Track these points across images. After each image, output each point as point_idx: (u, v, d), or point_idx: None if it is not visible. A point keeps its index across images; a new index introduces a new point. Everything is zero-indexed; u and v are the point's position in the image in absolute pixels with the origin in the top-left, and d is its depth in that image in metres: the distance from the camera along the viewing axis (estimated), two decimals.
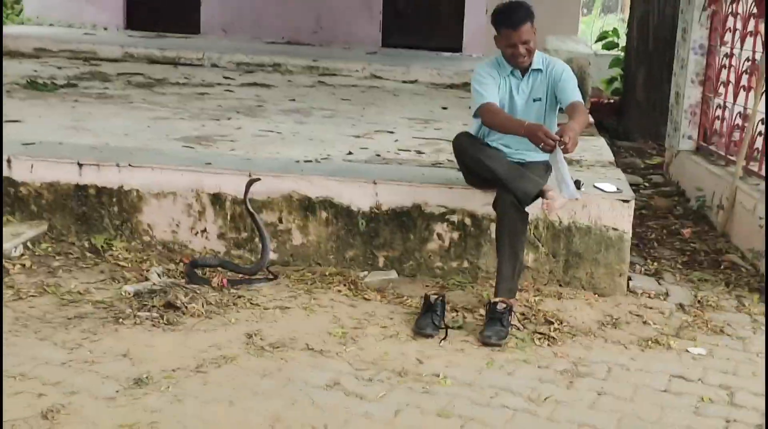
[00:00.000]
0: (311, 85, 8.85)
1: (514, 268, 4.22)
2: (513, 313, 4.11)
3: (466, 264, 4.71)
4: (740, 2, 6.09)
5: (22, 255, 4.65)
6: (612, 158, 5.74)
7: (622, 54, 10.18)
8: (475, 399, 3.42)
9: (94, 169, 4.88)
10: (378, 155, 5.48)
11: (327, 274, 4.67)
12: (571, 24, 11.27)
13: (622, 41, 10.67)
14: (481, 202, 4.63)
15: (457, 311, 4.28)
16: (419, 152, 5.64)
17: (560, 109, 4.43)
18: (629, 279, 4.72)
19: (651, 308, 4.48)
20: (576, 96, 4.30)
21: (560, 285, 4.65)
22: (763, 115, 5.47)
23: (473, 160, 4.39)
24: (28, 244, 4.72)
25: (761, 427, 3.34)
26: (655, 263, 5.10)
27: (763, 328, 4.29)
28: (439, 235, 4.70)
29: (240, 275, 4.56)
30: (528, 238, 4.48)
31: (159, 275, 4.50)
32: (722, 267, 5.08)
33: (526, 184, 4.21)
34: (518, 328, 4.09)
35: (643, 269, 5.00)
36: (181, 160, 5.03)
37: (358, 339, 3.93)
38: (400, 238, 4.73)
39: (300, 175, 4.79)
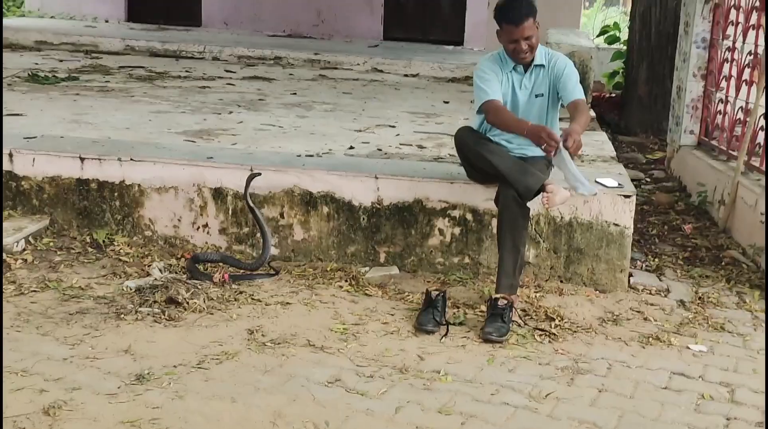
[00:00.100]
0: (312, 78, 8.84)
1: (515, 264, 4.22)
2: (514, 310, 4.11)
3: (467, 260, 4.71)
4: None
5: (24, 250, 4.65)
6: (613, 153, 5.74)
7: (624, 48, 10.15)
8: (476, 396, 3.43)
9: (96, 163, 4.88)
10: (379, 150, 5.47)
11: (328, 269, 4.67)
12: (573, 17, 11.25)
13: (624, 35, 10.64)
14: (482, 197, 4.63)
15: (458, 307, 4.28)
16: (421, 147, 5.64)
17: (561, 105, 4.43)
18: (630, 275, 4.72)
19: (652, 305, 4.48)
20: (578, 94, 4.29)
21: (561, 281, 4.65)
22: (765, 110, 5.46)
23: (475, 154, 4.39)
24: (30, 238, 4.73)
25: (762, 424, 3.35)
26: (656, 259, 5.10)
27: (764, 324, 4.29)
28: (441, 231, 4.70)
29: (241, 271, 4.56)
30: (529, 233, 4.48)
31: (160, 270, 4.50)
32: (723, 263, 5.08)
33: (528, 178, 4.21)
34: (519, 325, 4.09)
35: (644, 265, 5.00)
36: (183, 154, 5.03)
37: (359, 335, 3.93)
38: (402, 233, 4.73)
39: (301, 170, 4.79)
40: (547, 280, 4.65)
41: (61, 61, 9.14)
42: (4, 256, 4.51)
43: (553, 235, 4.63)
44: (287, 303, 4.24)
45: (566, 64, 4.36)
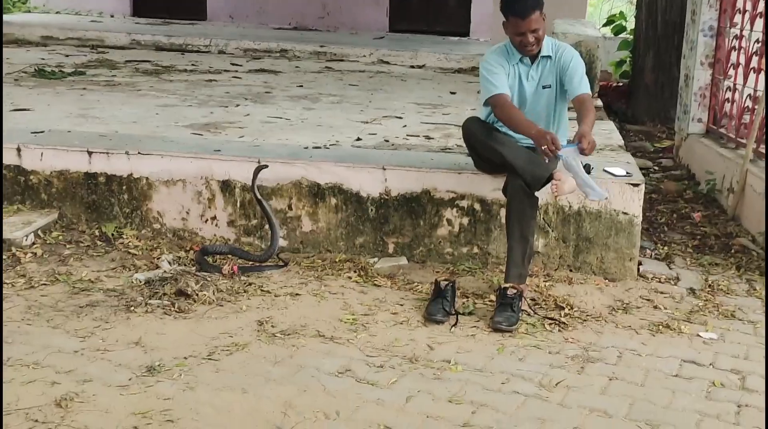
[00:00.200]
0: (319, 70, 8.83)
1: (524, 254, 4.22)
2: (523, 299, 4.11)
3: (476, 250, 4.71)
4: None
5: (33, 243, 4.66)
6: (621, 142, 5.72)
7: (631, 37, 10.12)
8: (486, 385, 3.43)
9: (104, 157, 4.88)
10: (386, 141, 5.47)
11: (337, 260, 4.68)
12: (579, 7, 11.20)
13: (630, 24, 10.60)
14: (490, 187, 4.62)
15: (467, 297, 4.28)
16: (428, 137, 5.63)
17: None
18: (639, 263, 4.71)
19: (661, 293, 4.47)
20: (583, 88, 4.27)
21: (570, 270, 4.65)
22: None
23: (482, 145, 4.38)
24: (39, 232, 4.74)
25: None
26: (666, 247, 5.09)
27: (765, 315, 4.29)
28: (449, 221, 4.70)
29: (250, 262, 4.56)
30: (538, 223, 4.47)
31: (170, 263, 4.51)
32: (733, 251, 5.07)
33: (536, 168, 4.20)
34: (529, 314, 4.09)
35: (653, 254, 4.99)
36: (190, 147, 5.03)
37: (368, 325, 3.93)
38: (410, 224, 4.73)
39: (309, 162, 4.79)
40: (556, 270, 4.64)
41: (67, 56, 9.15)
42: (14, 250, 4.53)
43: (562, 224, 4.62)
44: (296, 294, 4.25)
45: (573, 55, 4.33)
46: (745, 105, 5.97)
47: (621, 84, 10.24)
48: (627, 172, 4.71)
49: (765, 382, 3.56)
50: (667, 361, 3.71)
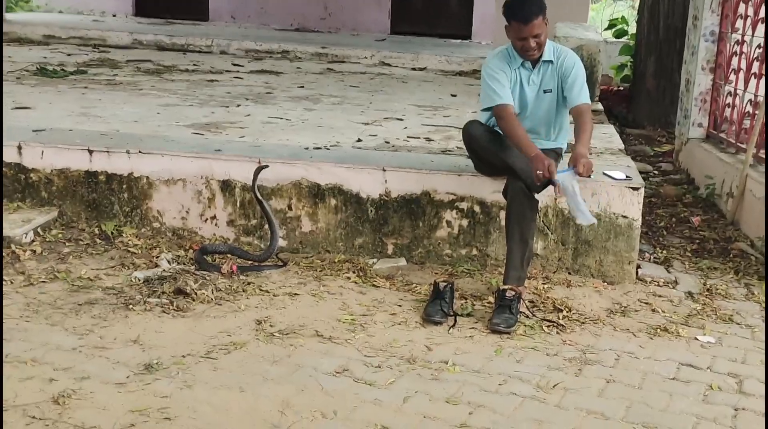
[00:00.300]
0: (320, 72, 8.84)
1: (523, 256, 4.22)
2: (522, 301, 4.11)
3: (475, 251, 4.71)
4: None
5: (33, 241, 4.67)
6: (622, 146, 5.73)
7: (632, 42, 10.13)
8: (483, 386, 3.43)
9: (104, 155, 4.89)
10: (387, 142, 5.48)
11: (336, 261, 4.68)
12: (581, 11, 11.21)
13: (632, 29, 10.62)
14: (490, 190, 4.63)
15: (465, 299, 4.28)
16: (428, 139, 5.64)
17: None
18: (638, 267, 4.72)
19: (660, 296, 4.48)
20: (583, 97, 4.27)
21: (569, 273, 4.65)
22: None
23: (483, 147, 4.39)
24: (39, 230, 4.74)
25: None
26: (665, 251, 5.10)
27: (765, 317, 4.28)
28: (448, 223, 4.71)
29: (249, 262, 4.57)
30: (537, 225, 4.47)
31: (169, 262, 4.51)
32: (731, 255, 5.08)
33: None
34: (527, 316, 4.09)
35: (652, 257, 4.99)
36: (191, 146, 5.04)
37: (367, 326, 3.94)
38: (409, 225, 4.73)
39: (309, 162, 4.80)
40: (555, 272, 4.65)
41: (69, 55, 9.17)
42: (14, 247, 4.53)
43: (561, 227, 4.62)
44: (295, 294, 4.25)
45: (574, 62, 4.33)
46: (746, 110, 5.98)
47: (622, 88, 10.26)
48: (627, 176, 4.71)
49: (765, 386, 3.56)
50: (665, 365, 3.72)
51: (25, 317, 3.83)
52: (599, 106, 7.26)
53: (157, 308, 3.98)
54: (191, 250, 4.68)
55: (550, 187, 4.11)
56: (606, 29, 11.75)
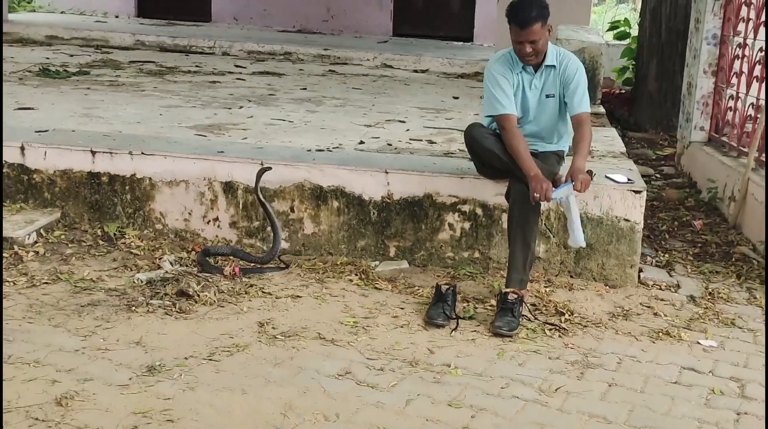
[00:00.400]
0: (322, 74, 8.85)
1: (525, 259, 4.22)
2: (524, 304, 4.12)
3: (477, 254, 4.71)
4: None
5: (36, 242, 4.67)
6: (623, 149, 5.73)
7: (634, 45, 10.14)
8: (486, 389, 3.44)
9: (107, 156, 4.90)
10: (389, 144, 5.48)
11: (338, 263, 4.68)
12: (583, 14, 11.22)
13: (634, 31, 10.63)
14: (492, 193, 4.63)
15: (468, 301, 4.29)
16: (431, 142, 5.64)
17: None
18: (640, 270, 4.72)
19: (662, 300, 4.48)
20: (583, 106, 4.27)
21: (571, 276, 4.66)
22: None
23: (485, 150, 4.39)
24: (42, 231, 4.75)
25: None
26: (667, 255, 5.10)
27: (765, 322, 4.29)
28: (451, 225, 4.71)
29: (252, 264, 4.57)
30: (540, 228, 4.48)
31: (171, 263, 4.52)
32: (733, 259, 5.08)
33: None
34: (529, 319, 4.09)
35: (654, 261, 4.99)
36: (194, 148, 5.04)
37: (369, 328, 3.94)
38: (412, 227, 4.73)
39: (312, 164, 4.80)
40: (557, 275, 4.65)
41: (71, 55, 9.18)
42: (17, 248, 4.54)
43: (564, 230, 4.62)
44: (297, 296, 4.25)
45: (577, 68, 4.31)
46: (748, 114, 5.98)
47: (624, 91, 10.27)
48: (629, 179, 4.71)
49: (765, 390, 3.56)
50: (667, 368, 3.72)
51: (28, 318, 3.83)
52: (601, 109, 7.26)
53: (159, 310, 3.98)
54: (194, 252, 4.68)
55: None
56: (608, 31, 11.76)
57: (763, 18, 5.89)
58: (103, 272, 4.41)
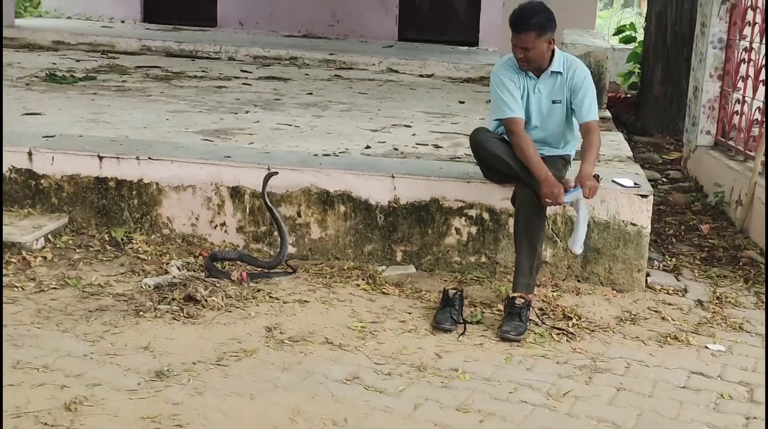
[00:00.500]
0: (328, 78, 8.86)
1: (532, 263, 4.22)
2: (531, 309, 4.11)
3: (484, 259, 4.71)
4: None
5: (44, 247, 4.68)
6: (630, 153, 5.73)
7: (640, 48, 10.14)
8: (494, 394, 3.44)
9: (114, 161, 4.91)
10: (396, 149, 5.49)
11: (345, 268, 4.69)
12: (588, 18, 11.23)
13: (640, 35, 10.63)
14: (499, 197, 4.63)
15: (475, 306, 4.28)
16: (437, 146, 5.65)
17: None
18: (647, 275, 4.72)
19: (669, 304, 4.47)
20: (592, 114, 4.27)
21: (578, 280, 4.65)
22: None
23: (491, 155, 4.39)
24: (50, 236, 4.75)
25: None
26: (674, 259, 5.09)
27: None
28: (457, 230, 4.71)
29: (259, 269, 4.58)
30: (546, 233, 4.47)
31: (179, 268, 4.52)
32: (741, 263, 5.07)
33: None
34: (537, 324, 4.09)
35: (661, 265, 4.99)
36: (200, 153, 5.05)
37: (376, 333, 3.94)
38: (418, 232, 4.74)
39: (318, 169, 4.81)
40: (564, 280, 4.65)
41: (78, 61, 9.20)
42: (24, 253, 4.55)
43: (570, 234, 4.60)
44: (305, 301, 4.25)
45: (585, 76, 4.31)
46: (754, 118, 5.97)
47: (629, 95, 10.27)
48: (635, 184, 4.71)
49: (765, 389, 3.56)
50: (675, 373, 3.71)
51: (36, 324, 3.84)
52: (607, 114, 7.27)
53: (167, 315, 3.99)
54: (201, 257, 4.69)
55: None
56: (613, 36, 11.76)
57: None
58: (110, 277, 4.42)
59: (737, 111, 6.32)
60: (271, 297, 4.28)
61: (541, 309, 4.25)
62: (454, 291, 4.15)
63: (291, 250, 4.76)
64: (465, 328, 4.01)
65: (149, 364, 3.51)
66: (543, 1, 4.28)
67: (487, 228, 4.69)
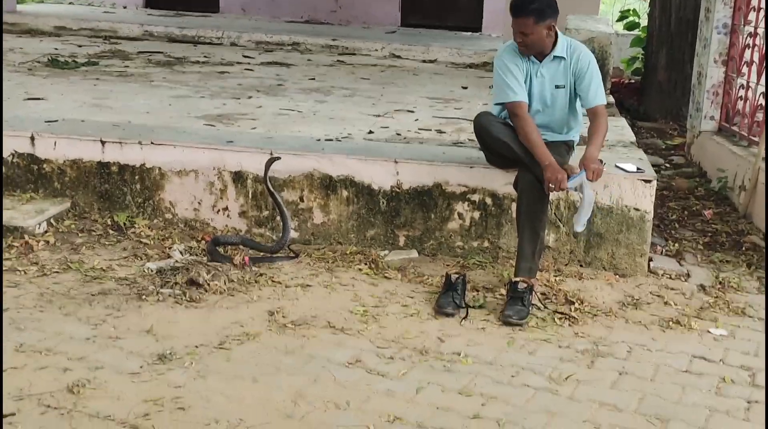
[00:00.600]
0: (331, 64, 8.83)
1: (534, 248, 4.22)
2: (534, 293, 4.11)
3: (486, 244, 4.71)
4: None
5: (46, 232, 4.69)
6: (633, 138, 5.71)
7: (643, 35, 10.10)
8: (496, 378, 3.44)
9: (117, 146, 4.90)
10: (398, 134, 5.47)
11: (348, 252, 4.69)
12: (592, 3, 11.18)
13: (643, 21, 10.58)
14: (502, 182, 4.62)
15: (477, 290, 4.29)
16: (440, 131, 5.63)
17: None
18: (650, 259, 4.71)
19: (672, 289, 4.47)
20: (599, 98, 4.26)
21: (581, 265, 4.65)
22: None
23: (494, 139, 4.38)
24: (52, 220, 4.76)
25: None
26: (677, 244, 5.09)
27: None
28: (460, 215, 4.70)
29: (261, 253, 4.58)
30: (549, 217, 4.47)
31: (181, 253, 4.53)
32: (744, 248, 5.06)
33: None
34: (539, 308, 4.09)
35: (664, 250, 4.98)
36: (203, 138, 5.04)
37: (379, 317, 3.94)
38: (421, 217, 4.73)
39: (321, 154, 4.80)
40: (566, 264, 4.65)
41: (80, 46, 9.17)
42: (27, 238, 4.55)
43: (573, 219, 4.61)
44: (307, 285, 4.26)
45: (589, 61, 4.29)
46: (758, 103, 5.95)
47: (633, 81, 10.23)
48: (639, 169, 4.70)
49: (765, 376, 3.55)
50: (677, 357, 3.72)
51: (39, 307, 3.85)
52: (611, 99, 7.23)
53: (170, 299, 3.99)
54: (203, 241, 4.69)
55: None
56: (618, 20, 11.71)
57: None
58: (113, 261, 4.42)
59: (741, 96, 6.30)
60: (273, 281, 4.28)
61: (543, 293, 4.25)
62: (457, 275, 4.15)
63: (293, 234, 4.76)
64: (467, 313, 4.01)
65: (152, 348, 3.52)
66: None
67: (489, 213, 4.68)
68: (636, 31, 10.82)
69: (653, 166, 5.39)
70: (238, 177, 4.83)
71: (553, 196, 4.44)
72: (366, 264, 4.55)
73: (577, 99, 4.38)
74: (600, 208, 4.58)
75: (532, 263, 4.22)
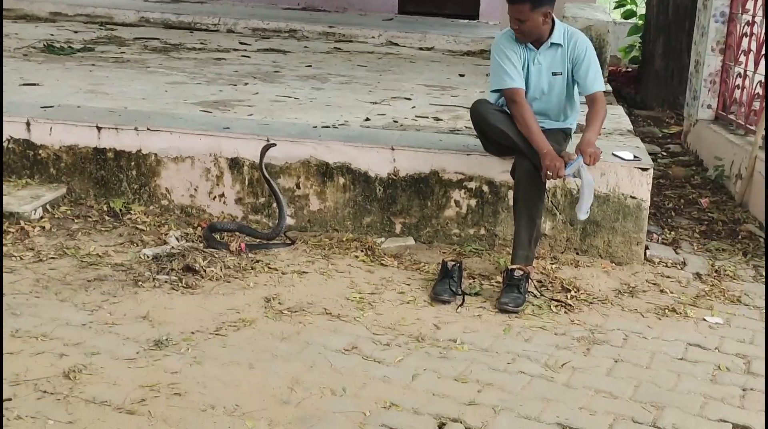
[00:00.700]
0: (327, 51, 8.81)
1: (531, 236, 4.22)
2: (530, 281, 4.12)
3: (483, 231, 4.71)
4: None
5: (42, 217, 4.68)
6: (630, 127, 5.71)
7: (641, 22, 10.09)
8: (492, 364, 3.44)
9: (113, 132, 4.89)
10: (395, 121, 5.46)
11: (344, 239, 4.68)
12: None
13: (641, 9, 10.57)
14: (498, 170, 4.62)
15: (474, 278, 4.29)
16: (437, 119, 5.62)
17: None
18: (646, 248, 4.72)
19: (668, 277, 4.48)
20: (597, 85, 4.25)
21: (577, 253, 4.65)
22: None
23: (491, 127, 4.37)
24: (48, 206, 4.75)
25: None
26: (673, 232, 5.09)
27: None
28: (457, 202, 4.70)
29: (258, 240, 4.58)
30: (545, 205, 4.47)
31: (177, 239, 4.52)
32: (740, 237, 5.07)
33: None
34: (535, 295, 4.10)
35: (660, 238, 4.99)
36: (199, 124, 5.03)
37: (375, 304, 3.95)
38: (418, 204, 4.73)
39: (318, 141, 4.79)
40: (563, 252, 4.65)
41: (76, 32, 9.14)
42: (23, 223, 4.54)
43: (570, 207, 4.61)
44: (303, 272, 4.26)
45: (586, 47, 4.29)
46: (755, 92, 5.95)
47: (630, 69, 10.23)
48: (635, 157, 4.70)
49: (765, 369, 3.56)
50: (673, 345, 3.72)
51: (35, 293, 3.84)
52: (608, 87, 7.23)
53: (166, 285, 3.99)
54: (199, 228, 4.69)
55: None
56: (614, 9, 11.69)
57: None
58: (109, 247, 4.41)
59: (738, 85, 6.29)
60: (269, 268, 4.28)
61: (539, 281, 4.25)
62: (453, 263, 4.15)
63: (290, 221, 4.75)
64: (463, 300, 4.01)
65: (148, 334, 3.51)
66: None
67: (486, 200, 4.68)
68: (633, 20, 10.81)
69: (650, 154, 5.40)
70: (235, 164, 4.82)
71: (550, 183, 4.43)
72: (362, 251, 4.55)
73: (575, 86, 4.37)
74: (597, 196, 4.57)
75: (529, 251, 4.22)
